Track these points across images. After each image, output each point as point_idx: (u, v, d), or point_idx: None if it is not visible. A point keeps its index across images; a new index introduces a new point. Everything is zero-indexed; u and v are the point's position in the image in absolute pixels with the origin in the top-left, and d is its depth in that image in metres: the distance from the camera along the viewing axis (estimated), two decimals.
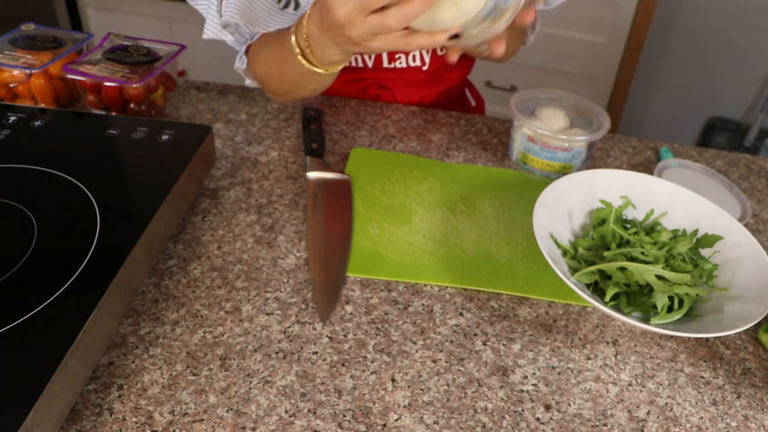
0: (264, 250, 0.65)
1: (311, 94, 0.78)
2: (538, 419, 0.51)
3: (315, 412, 0.50)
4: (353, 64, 0.88)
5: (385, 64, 0.88)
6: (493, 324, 0.59)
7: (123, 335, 0.55)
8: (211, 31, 0.76)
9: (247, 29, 0.76)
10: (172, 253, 0.64)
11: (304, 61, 0.65)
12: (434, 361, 0.55)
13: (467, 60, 0.96)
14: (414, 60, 0.88)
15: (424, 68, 0.89)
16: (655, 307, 0.58)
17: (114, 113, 0.81)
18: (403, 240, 0.67)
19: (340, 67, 0.67)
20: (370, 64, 0.88)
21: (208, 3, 0.76)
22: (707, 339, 0.60)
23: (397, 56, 0.87)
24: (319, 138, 0.80)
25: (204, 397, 0.51)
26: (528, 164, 0.78)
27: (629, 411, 0.52)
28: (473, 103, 1.07)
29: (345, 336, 0.57)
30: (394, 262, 0.64)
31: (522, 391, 0.53)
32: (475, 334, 0.58)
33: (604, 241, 0.64)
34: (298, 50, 0.64)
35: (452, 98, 1.00)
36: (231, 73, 0.87)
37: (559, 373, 0.55)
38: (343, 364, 0.54)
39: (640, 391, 0.54)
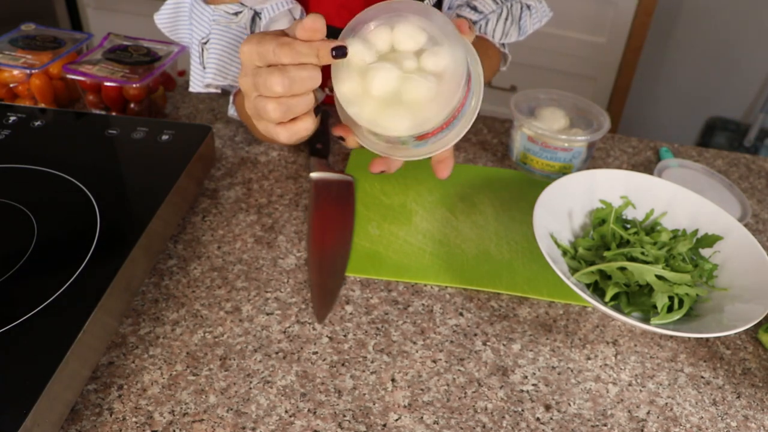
0: (264, 250, 0.65)
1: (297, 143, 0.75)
2: (538, 419, 0.51)
3: (315, 412, 0.50)
4: None
5: None
6: (493, 324, 0.59)
7: (123, 335, 0.55)
8: (197, 85, 0.73)
9: (232, 84, 0.74)
10: (172, 253, 0.64)
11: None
12: (434, 361, 0.55)
13: None
14: None
15: None
16: (655, 307, 0.58)
17: (114, 113, 0.81)
18: (403, 240, 0.67)
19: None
20: None
21: (190, 41, 0.73)
22: (707, 339, 0.59)
23: None
24: (323, 139, 0.80)
25: (204, 397, 0.51)
26: (528, 164, 0.78)
27: (629, 411, 0.52)
28: None
29: (345, 336, 0.57)
30: (394, 262, 0.64)
31: (522, 391, 0.53)
32: (475, 334, 0.58)
33: (604, 241, 0.64)
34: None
35: None
36: None
37: (559, 373, 0.55)
38: (343, 364, 0.54)
39: (640, 391, 0.54)
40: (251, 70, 0.46)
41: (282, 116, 0.47)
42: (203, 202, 0.71)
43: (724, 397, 0.54)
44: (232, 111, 0.80)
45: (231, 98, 0.79)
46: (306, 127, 0.48)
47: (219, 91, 0.74)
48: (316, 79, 0.46)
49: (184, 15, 0.74)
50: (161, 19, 0.75)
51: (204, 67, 0.71)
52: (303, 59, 0.45)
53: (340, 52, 0.45)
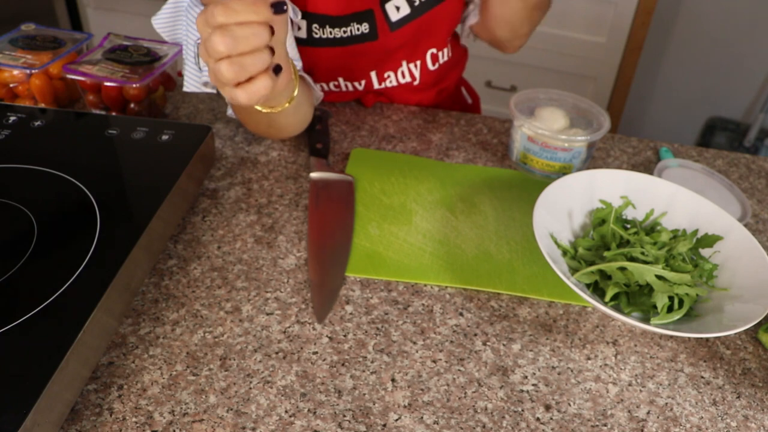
0: (264, 250, 0.65)
1: (286, 134, 0.76)
2: (538, 419, 0.51)
3: (315, 412, 0.50)
4: (344, 89, 0.87)
5: (376, 85, 0.87)
6: (493, 324, 0.59)
7: (123, 335, 0.55)
8: (192, 85, 0.73)
9: None
10: (172, 253, 0.64)
11: None
12: (434, 361, 0.55)
13: (459, 61, 0.96)
14: (404, 77, 0.87)
15: (416, 83, 0.88)
16: (655, 307, 0.58)
17: (114, 113, 0.81)
18: (403, 240, 0.67)
19: (275, 103, 0.62)
20: (360, 87, 0.87)
21: (186, 42, 0.73)
22: (707, 339, 0.59)
23: (386, 75, 0.86)
24: (323, 139, 0.80)
25: (204, 397, 0.51)
26: (528, 164, 0.78)
27: (629, 411, 0.52)
28: (469, 101, 1.07)
29: (345, 336, 0.57)
30: (394, 262, 0.64)
31: (522, 391, 0.53)
32: (475, 334, 0.58)
33: (604, 241, 0.64)
34: None
35: (449, 98, 1.00)
36: None
37: (559, 373, 0.55)
38: (343, 364, 0.54)
39: (640, 391, 0.54)
40: (203, 39, 0.47)
41: (236, 76, 0.47)
42: (203, 202, 0.71)
43: (724, 397, 0.54)
44: (231, 111, 0.80)
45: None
46: (264, 85, 0.49)
47: (215, 90, 0.74)
48: (261, 35, 0.46)
49: (183, 17, 0.74)
50: (159, 22, 0.75)
51: (200, 68, 0.71)
52: (240, 17, 0.46)
53: (279, 8, 0.46)
